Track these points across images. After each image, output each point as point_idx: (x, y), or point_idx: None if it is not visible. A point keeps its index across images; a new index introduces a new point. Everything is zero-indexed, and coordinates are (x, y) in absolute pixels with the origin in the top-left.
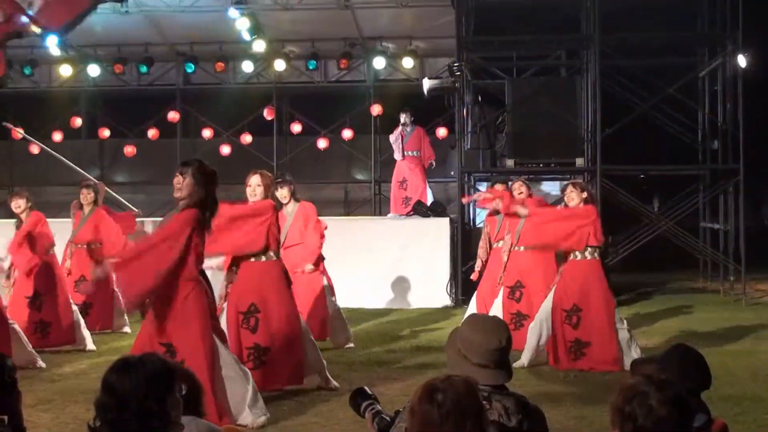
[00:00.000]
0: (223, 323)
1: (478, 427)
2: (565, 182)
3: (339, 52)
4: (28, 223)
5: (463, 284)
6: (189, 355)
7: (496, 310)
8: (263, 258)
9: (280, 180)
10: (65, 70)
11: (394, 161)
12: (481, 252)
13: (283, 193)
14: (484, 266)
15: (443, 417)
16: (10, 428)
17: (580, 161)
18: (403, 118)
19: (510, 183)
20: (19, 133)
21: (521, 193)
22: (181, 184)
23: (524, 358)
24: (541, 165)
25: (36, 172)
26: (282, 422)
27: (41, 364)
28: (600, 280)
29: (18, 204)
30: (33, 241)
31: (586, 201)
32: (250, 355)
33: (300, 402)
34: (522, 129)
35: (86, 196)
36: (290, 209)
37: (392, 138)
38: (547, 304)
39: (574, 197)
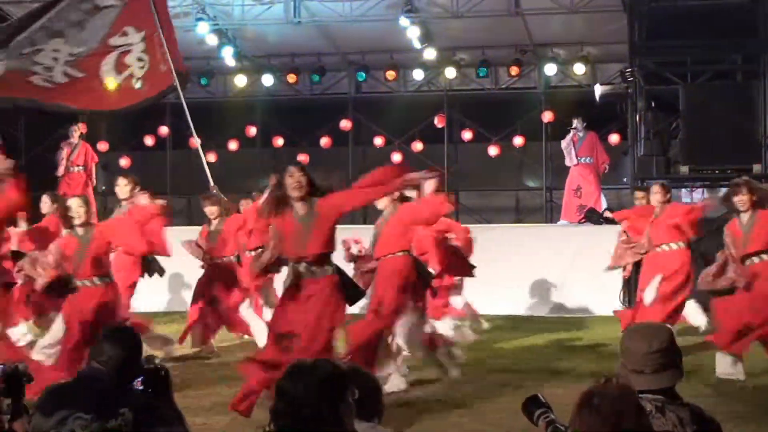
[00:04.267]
0: None
1: (637, 429)
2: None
3: (510, 59)
4: (225, 230)
5: (636, 292)
6: None
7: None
8: None
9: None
10: (240, 81)
11: (566, 168)
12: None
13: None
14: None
15: (601, 421)
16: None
17: (757, 167)
18: (576, 123)
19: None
20: (196, 141)
21: (657, 194)
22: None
23: None
24: (717, 171)
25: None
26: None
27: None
28: None
29: (212, 211)
30: (222, 243)
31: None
32: None
33: (469, 408)
34: (696, 135)
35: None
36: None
37: (564, 144)
38: None
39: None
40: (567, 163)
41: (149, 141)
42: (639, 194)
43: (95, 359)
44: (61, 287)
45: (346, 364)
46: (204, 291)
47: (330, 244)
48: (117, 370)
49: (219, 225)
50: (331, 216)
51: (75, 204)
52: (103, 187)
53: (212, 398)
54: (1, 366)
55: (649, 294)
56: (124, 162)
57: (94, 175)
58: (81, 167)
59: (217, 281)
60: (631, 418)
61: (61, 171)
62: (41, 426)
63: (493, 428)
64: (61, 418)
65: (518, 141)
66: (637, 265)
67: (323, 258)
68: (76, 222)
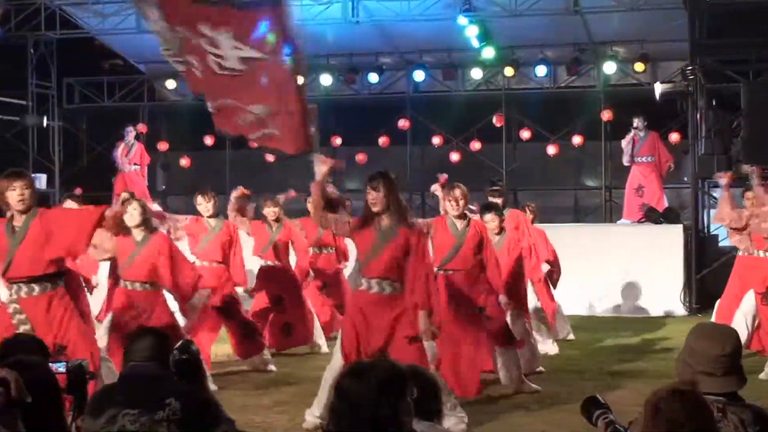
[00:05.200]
0: None
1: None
2: None
3: (568, 58)
4: (282, 233)
5: (697, 293)
6: None
7: (739, 318)
8: None
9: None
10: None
11: (625, 167)
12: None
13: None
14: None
15: (671, 424)
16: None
17: None
18: (637, 123)
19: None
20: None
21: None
22: (376, 198)
23: None
24: None
25: (270, 180)
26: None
27: (272, 368)
28: None
29: (272, 212)
30: (281, 247)
31: None
32: None
33: (529, 409)
34: (758, 133)
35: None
36: None
37: (624, 143)
38: None
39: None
40: (624, 162)
41: (209, 141)
42: (749, 195)
43: (132, 360)
44: None
45: (405, 364)
46: (268, 293)
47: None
48: (155, 363)
49: (279, 228)
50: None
51: (132, 207)
52: (163, 186)
53: (272, 397)
54: (66, 363)
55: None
56: (184, 162)
57: (146, 176)
58: (137, 166)
59: (279, 283)
60: (700, 422)
61: (124, 168)
62: (92, 427)
63: (554, 428)
64: (110, 417)
65: (577, 140)
66: (701, 264)
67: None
68: (132, 223)
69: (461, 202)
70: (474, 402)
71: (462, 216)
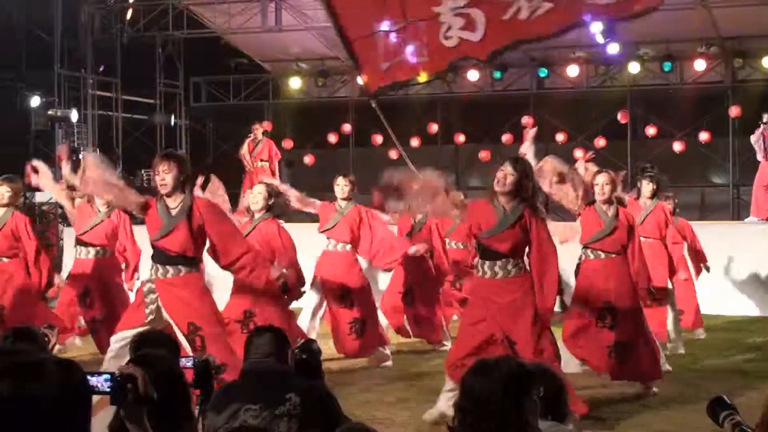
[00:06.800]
0: None
1: None
2: None
3: (695, 53)
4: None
5: None
6: None
7: None
8: None
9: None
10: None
11: (755, 164)
12: None
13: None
14: None
15: None
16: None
17: None
18: (766, 118)
19: None
20: (392, 136)
21: None
22: (505, 180)
23: None
24: None
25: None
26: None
27: (389, 363)
28: None
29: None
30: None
31: None
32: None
33: (654, 409)
34: None
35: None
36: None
37: (753, 139)
38: None
39: None
40: (759, 157)
41: (332, 138)
42: None
43: (251, 356)
44: None
45: (532, 362)
46: (400, 285)
47: None
48: (274, 359)
49: (423, 219)
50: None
51: (256, 190)
52: (288, 183)
53: (396, 393)
54: (193, 358)
55: None
56: (308, 159)
57: (277, 172)
58: (265, 162)
59: (413, 275)
60: None
61: (247, 166)
62: (215, 423)
63: (679, 428)
64: (232, 412)
65: (704, 136)
66: None
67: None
68: (254, 208)
69: (607, 188)
70: (597, 401)
71: (609, 201)
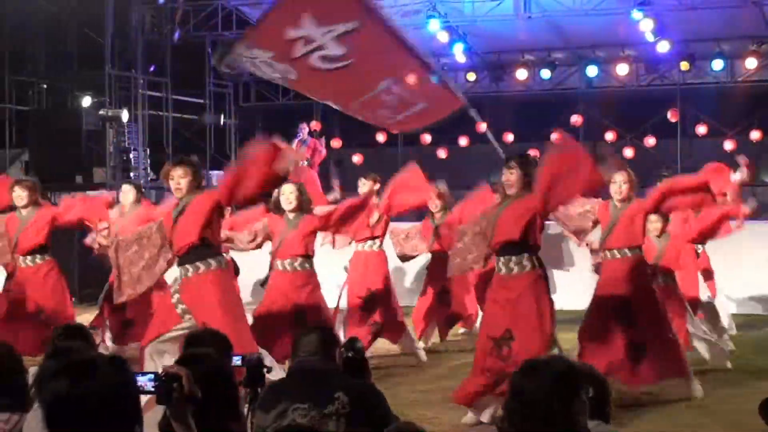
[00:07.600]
0: None
1: None
2: None
3: (746, 51)
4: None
5: None
6: None
7: None
8: None
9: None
10: (470, 77)
11: None
12: None
13: None
14: None
15: None
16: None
17: None
18: None
19: None
20: (488, 134)
21: None
22: (512, 181)
23: None
24: None
25: (442, 176)
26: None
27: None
28: None
29: (435, 204)
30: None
31: None
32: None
33: (710, 409)
34: None
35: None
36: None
37: None
38: None
39: None
40: None
41: (381, 137)
42: None
43: (298, 355)
44: None
45: (580, 363)
46: (433, 283)
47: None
48: (320, 358)
49: (442, 218)
50: None
51: (287, 189)
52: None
53: (443, 393)
54: (243, 356)
55: None
56: (356, 158)
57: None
58: (306, 162)
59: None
60: None
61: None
62: (263, 422)
63: (732, 429)
64: (280, 411)
65: (755, 135)
66: None
67: None
68: (286, 207)
69: (624, 187)
70: (642, 399)
71: (627, 200)
